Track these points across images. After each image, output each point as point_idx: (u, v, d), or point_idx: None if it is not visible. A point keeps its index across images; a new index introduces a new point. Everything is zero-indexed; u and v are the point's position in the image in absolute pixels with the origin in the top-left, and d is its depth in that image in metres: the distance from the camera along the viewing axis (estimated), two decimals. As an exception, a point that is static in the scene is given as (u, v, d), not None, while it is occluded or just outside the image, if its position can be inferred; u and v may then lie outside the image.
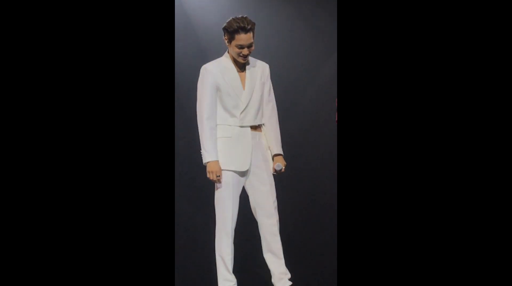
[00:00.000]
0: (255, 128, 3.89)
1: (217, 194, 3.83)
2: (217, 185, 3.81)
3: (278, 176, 3.97)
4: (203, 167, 5.21)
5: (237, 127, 3.82)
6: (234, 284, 3.87)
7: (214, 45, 5.13)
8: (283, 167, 3.88)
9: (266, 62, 3.98)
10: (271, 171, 3.89)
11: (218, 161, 3.75)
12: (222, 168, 3.78)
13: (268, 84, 3.94)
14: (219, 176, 3.75)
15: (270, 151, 3.91)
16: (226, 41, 3.79)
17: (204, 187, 5.14)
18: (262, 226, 3.88)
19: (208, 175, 3.75)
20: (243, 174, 3.84)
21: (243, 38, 3.72)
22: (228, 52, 3.84)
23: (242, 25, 3.70)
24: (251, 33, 3.73)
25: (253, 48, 3.77)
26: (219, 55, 5.11)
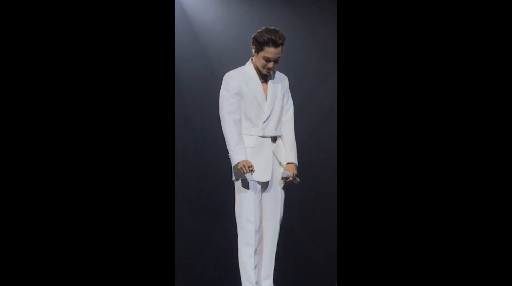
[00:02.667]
0: (274, 139, 3.80)
1: (238, 204, 3.75)
2: (238, 195, 3.73)
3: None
4: (203, 167, 5.22)
5: (259, 137, 3.73)
6: None
7: (214, 45, 5.13)
8: (291, 176, 3.77)
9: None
10: (281, 185, 3.81)
11: (247, 160, 3.63)
12: (244, 178, 3.70)
13: (287, 95, 3.86)
14: (250, 166, 3.62)
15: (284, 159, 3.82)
16: (253, 50, 3.70)
17: (205, 187, 5.15)
18: (265, 245, 3.78)
19: (241, 172, 3.63)
20: (263, 184, 3.75)
21: (272, 51, 3.64)
22: (252, 61, 3.76)
23: (274, 38, 3.62)
24: (281, 48, 3.66)
25: (278, 63, 3.70)
26: (220, 55, 5.09)
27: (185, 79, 4.98)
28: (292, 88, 4.91)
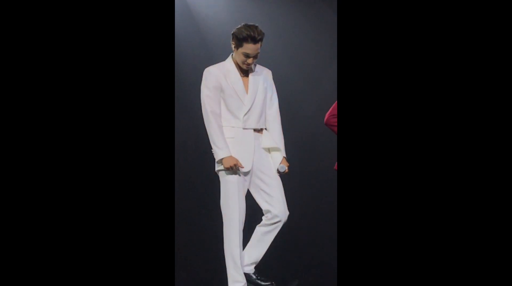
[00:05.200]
0: (258, 130, 3.89)
1: (223, 194, 3.83)
2: (223, 185, 3.82)
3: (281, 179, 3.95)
4: (203, 166, 5.22)
5: (240, 129, 3.83)
6: (244, 285, 3.84)
7: (216, 42, 5.14)
8: (287, 168, 3.90)
9: (267, 66, 3.98)
10: (275, 172, 3.90)
11: (231, 155, 3.75)
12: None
13: (271, 89, 3.94)
14: (237, 165, 3.75)
15: (271, 154, 3.94)
16: (233, 46, 3.78)
17: (205, 186, 5.16)
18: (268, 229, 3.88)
19: (229, 170, 3.77)
20: (246, 174, 3.83)
21: (250, 47, 3.72)
22: (232, 56, 3.84)
23: (252, 34, 3.69)
24: (260, 44, 3.73)
25: (257, 58, 3.78)
26: (221, 52, 5.11)
27: (186, 76, 5.00)
28: (292, 83, 4.94)
